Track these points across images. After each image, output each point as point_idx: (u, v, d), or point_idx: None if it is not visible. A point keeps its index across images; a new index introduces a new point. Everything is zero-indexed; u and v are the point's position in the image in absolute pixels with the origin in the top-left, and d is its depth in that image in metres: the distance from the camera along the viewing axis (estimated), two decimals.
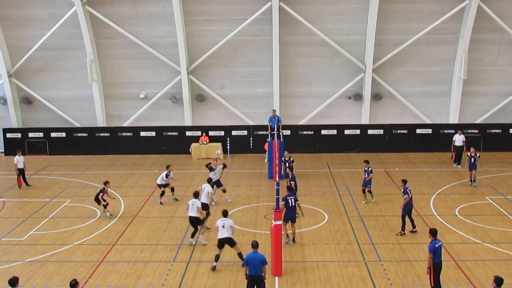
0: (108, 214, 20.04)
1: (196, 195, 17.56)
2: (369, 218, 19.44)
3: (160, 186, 21.65)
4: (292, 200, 17.15)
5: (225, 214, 15.73)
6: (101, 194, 19.94)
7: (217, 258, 15.52)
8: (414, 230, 17.96)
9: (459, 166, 26.46)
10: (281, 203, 16.43)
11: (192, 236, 17.26)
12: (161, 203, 21.51)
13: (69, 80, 31.18)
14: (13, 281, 11.96)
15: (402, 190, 17.86)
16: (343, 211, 20.40)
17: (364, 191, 21.15)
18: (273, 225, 14.97)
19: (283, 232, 15.96)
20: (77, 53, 30.40)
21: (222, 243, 15.49)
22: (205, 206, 18.34)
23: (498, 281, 11.81)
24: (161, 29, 29.77)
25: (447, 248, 16.70)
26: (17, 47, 30.65)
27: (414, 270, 15.27)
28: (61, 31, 29.88)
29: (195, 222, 17.21)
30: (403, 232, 17.85)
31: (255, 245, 13.55)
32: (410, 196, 17.60)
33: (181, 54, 29.64)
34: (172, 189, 21.87)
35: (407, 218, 17.79)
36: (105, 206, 20.04)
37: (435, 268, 13.47)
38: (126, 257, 16.45)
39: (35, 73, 31.25)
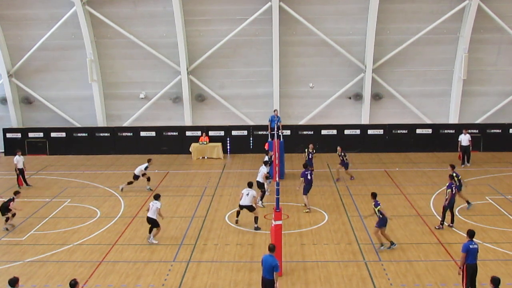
0: (7, 227, 18.74)
1: (157, 197, 17.74)
2: (369, 218, 19.38)
3: (136, 176, 23.09)
4: (309, 173, 20.43)
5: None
6: (10, 203, 18.87)
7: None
8: (452, 225, 18.30)
9: (468, 165, 26.60)
10: (300, 179, 20.44)
11: (150, 231, 17.67)
12: (122, 189, 23.18)
13: (69, 80, 31.17)
14: (13, 281, 11.95)
15: (446, 185, 18.28)
16: (343, 211, 20.41)
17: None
18: (273, 225, 14.97)
19: (305, 204, 20.44)
20: (77, 53, 30.40)
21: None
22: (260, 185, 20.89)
23: (495, 281, 11.64)
24: (161, 29, 29.77)
25: (447, 248, 16.73)
26: (17, 47, 30.64)
27: (414, 270, 15.28)
28: (61, 31, 29.89)
29: (152, 223, 17.49)
30: (441, 226, 18.14)
31: (271, 248, 13.37)
32: (453, 192, 17.99)
33: (181, 54, 29.65)
34: (148, 179, 23.34)
35: (448, 212, 18.20)
36: (12, 216, 18.89)
37: (468, 270, 13.19)
38: (126, 257, 16.45)
39: (35, 73, 31.25)
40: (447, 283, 14.42)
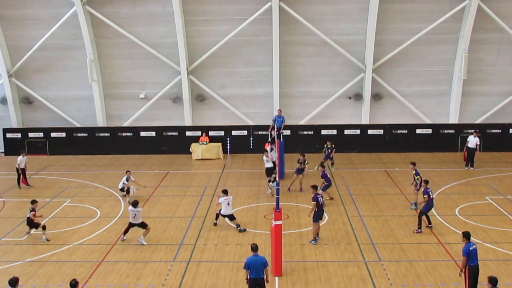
0: (44, 238, 17.73)
1: (135, 204, 17.35)
2: (369, 218, 19.45)
3: (122, 189, 22.13)
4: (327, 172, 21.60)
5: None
6: (33, 214, 17.90)
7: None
8: (430, 226, 18.26)
9: (472, 168, 26.14)
10: (321, 180, 20.98)
11: (125, 233, 17.69)
12: (129, 202, 20.83)
13: (69, 80, 31.16)
14: (13, 281, 11.96)
15: (422, 190, 18.30)
16: (343, 211, 20.40)
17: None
18: (273, 225, 14.97)
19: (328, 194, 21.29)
20: (77, 53, 30.39)
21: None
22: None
23: (493, 281, 11.61)
24: (161, 29, 29.77)
25: (447, 248, 16.73)
26: (17, 47, 30.63)
27: (414, 270, 15.28)
28: (61, 31, 29.88)
29: (141, 226, 17.58)
30: (419, 230, 18.05)
31: (254, 248, 13.44)
32: (431, 196, 18.03)
33: (181, 54, 29.64)
34: (128, 191, 21.95)
35: (423, 216, 18.21)
36: (43, 228, 17.81)
37: (471, 272, 13.04)
38: (126, 257, 16.45)
39: (35, 73, 31.24)
40: (447, 283, 14.42)
